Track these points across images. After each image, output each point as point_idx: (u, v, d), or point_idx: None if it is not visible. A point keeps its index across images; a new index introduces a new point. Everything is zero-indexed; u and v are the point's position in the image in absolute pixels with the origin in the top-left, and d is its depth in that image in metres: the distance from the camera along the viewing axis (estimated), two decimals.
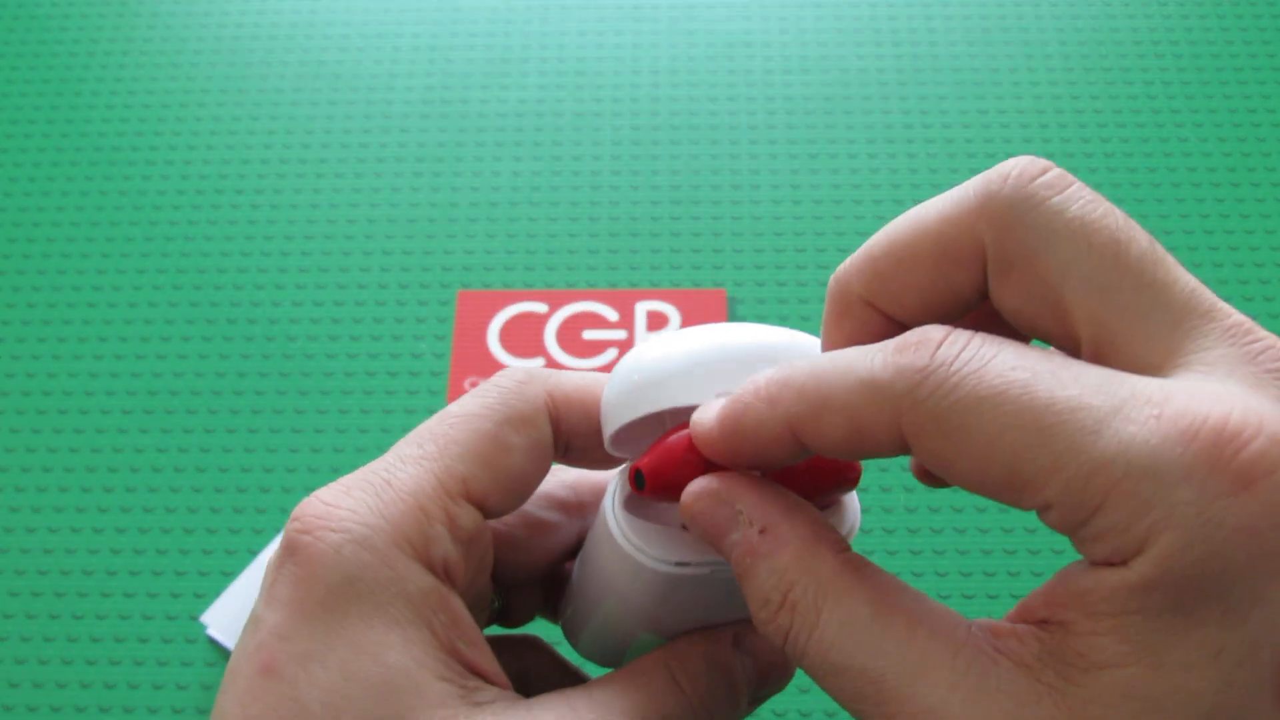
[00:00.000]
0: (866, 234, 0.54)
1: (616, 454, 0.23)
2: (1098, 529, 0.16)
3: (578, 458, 0.24)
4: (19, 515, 0.48)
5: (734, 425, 0.19)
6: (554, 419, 0.23)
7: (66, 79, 0.60)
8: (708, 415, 0.20)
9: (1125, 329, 0.18)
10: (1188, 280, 0.18)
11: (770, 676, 0.24)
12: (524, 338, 0.52)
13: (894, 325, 0.20)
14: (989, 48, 0.60)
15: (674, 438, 0.20)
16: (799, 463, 0.20)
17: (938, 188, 0.55)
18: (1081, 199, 0.19)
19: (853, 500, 0.22)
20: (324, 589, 0.20)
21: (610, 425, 0.22)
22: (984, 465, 0.16)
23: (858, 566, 0.19)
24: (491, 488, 0.22)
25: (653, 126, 0.58)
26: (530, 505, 0.25)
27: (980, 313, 0.20)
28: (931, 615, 0.18)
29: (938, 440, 0.17)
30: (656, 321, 0.52)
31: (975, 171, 0.61)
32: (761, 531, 0.19)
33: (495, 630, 0.27)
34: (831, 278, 0.21)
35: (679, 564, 0.21)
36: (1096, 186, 0.60)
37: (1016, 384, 0.16)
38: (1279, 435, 0.15)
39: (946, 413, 0.16)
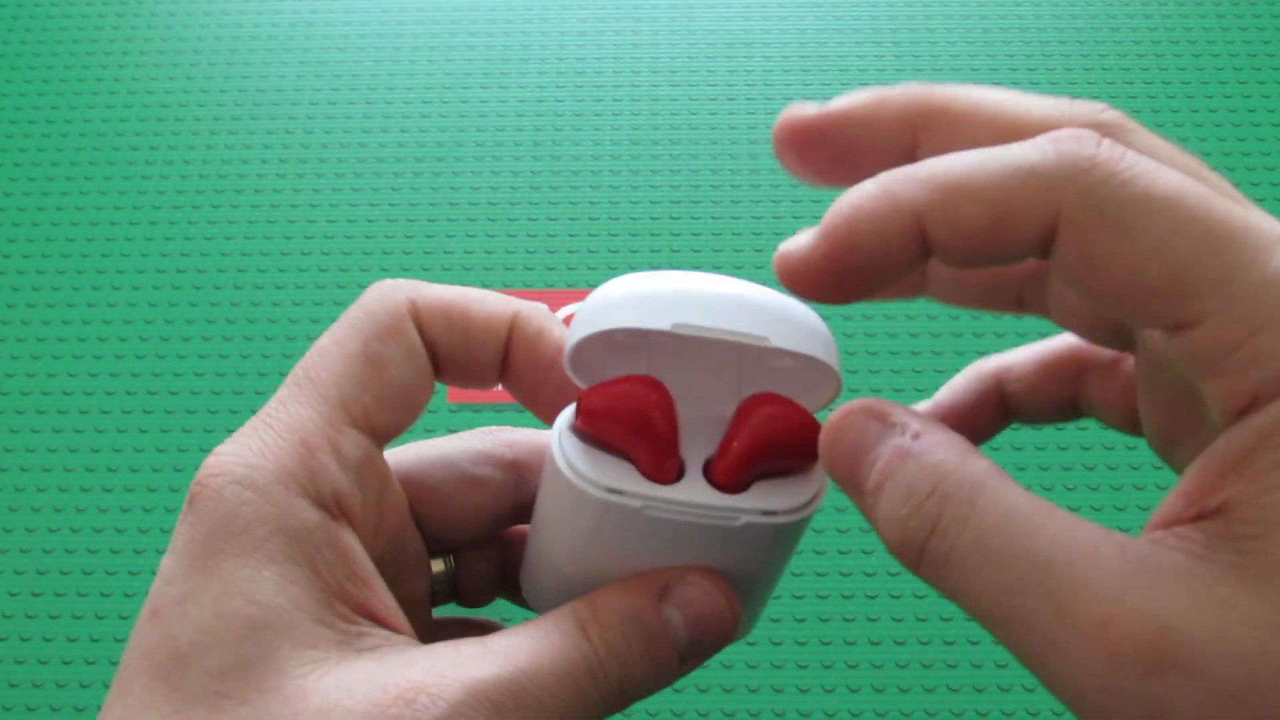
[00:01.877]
0: None
1: (574, 377, 0.22)
2: (1254, 352, 0.15)
3: (449, 371, 0.23)
4: (19, 515, 0.48)
5: (848, 220, 0.18)
6: (419, 327, 0.22)
7: (66, 79, 0.60)
8: (801, 238, 0.19)
9: (1204, 261, 0.16)
10: (1268, 230, 0.17)
11: (706, 631, 0.22)
12: None
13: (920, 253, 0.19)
14: (989, 48, 0.60)
15: (626, 378, 0.21)
16: (759, 437, 0.21)
17: None
18: (1163, 143, 0.18)
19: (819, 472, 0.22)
20: (205, 531, 0.19)
21: (569, 340, 0.21)
22: (1144, 265, 0.15)
23: (1007, 475, 0.18)
24: (374, 406, 0.21)
25: (653, 126, 0.58)
26: (460, 460, 0.24)
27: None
28: (1086, 521, 0.17)
29: (1099, 233, 0.16)
30: None
31: None
32: (915, 436, 0.18)
33: (455, 611, 0.26)
34: (860, 216, 0.19)
35: (611, 490, 0.21)
36: None
37: (1193, 193, 0.16)
38: None
39: (1118, 204, 0.16)
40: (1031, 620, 0.16)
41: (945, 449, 0.18)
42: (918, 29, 0.61)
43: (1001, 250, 0.17)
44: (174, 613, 0.19)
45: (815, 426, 0.21)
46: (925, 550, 0.17)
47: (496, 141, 0.58)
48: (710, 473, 0.22)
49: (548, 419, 0.24)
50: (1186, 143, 0.56)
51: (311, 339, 0.57)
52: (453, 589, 0.25)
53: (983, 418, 0.24)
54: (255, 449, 0.20)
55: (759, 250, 0.54)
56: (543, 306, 0.24)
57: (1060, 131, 0.17)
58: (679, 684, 0.43)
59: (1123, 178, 0.16)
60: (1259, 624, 0.15)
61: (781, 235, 0.54)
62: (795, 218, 0.55)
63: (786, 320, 0.21)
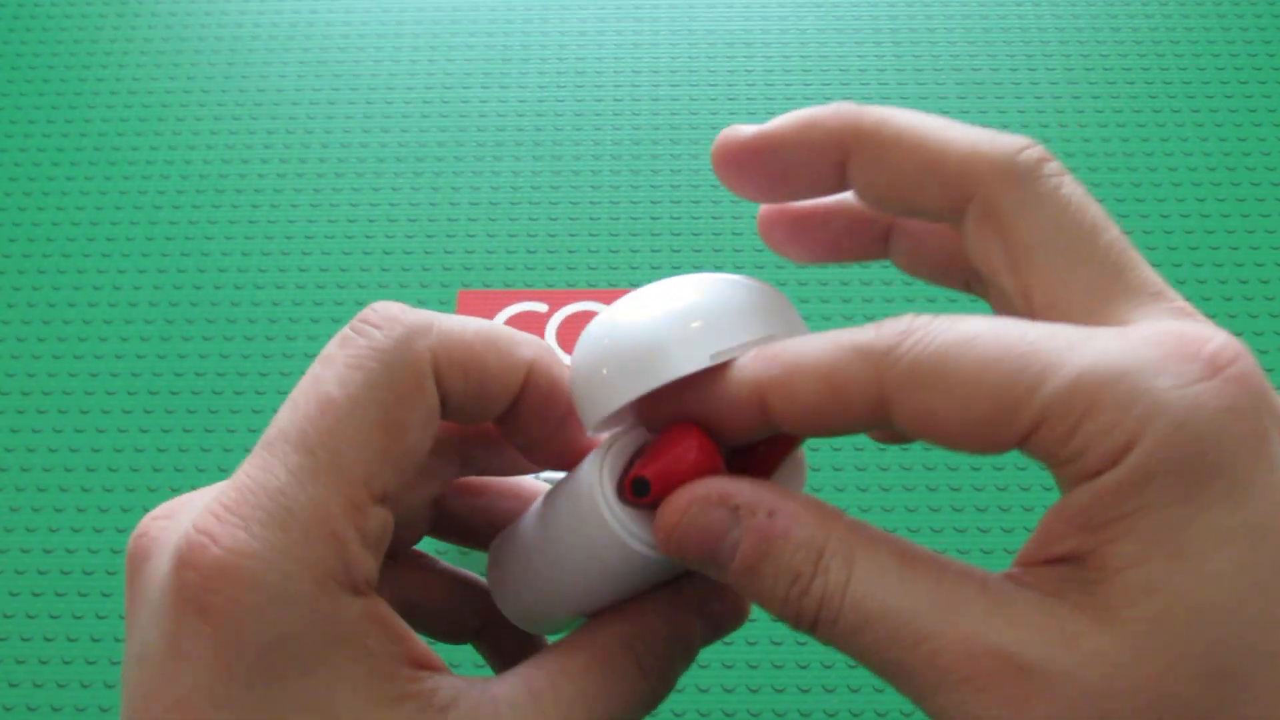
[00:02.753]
0: None
1: (596, 434, 0.22)
2: (1088, 435, 0.16)
3: (452, 417, 0.22)
4: (19, 515, 0.48)
5: (702, 406, 0.20)
6: (437, 382, 0.20)
7: (66, 79, 0.60)
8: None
9: (1080, 297, 0.19)
10: (1147, 270, 0.19)
11: (723, 630, 0.24)
12: None
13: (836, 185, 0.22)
14: (989, 48, 0.60)
15: (680, 446, 0.20)
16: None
17: None
18: (1076, 187, 0.20)
19: (796, 457, 0.22)
20: (255, 654, 0.18)
21: (597, 411, 0.20)
22: (969, 402, 0.17)
23: (868, 526, 0.19)
24: (393, 479, 0.20)
25: (653, 126, 0.58)
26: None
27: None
28: (952, 563, 0.18)
29: (920, 393, 0.17)
30: None
31: None
32: (770, 514, 0.19)
33: None
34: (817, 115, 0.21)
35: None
36: (1096, 186, 0.60)
37: (989, 328, 0.17)
38: (1230, 339, 0.17)
39: (929, 360, 0.17)
40: (909, 668, 0.17)
41: (805, 522, 0.19)
42: (918, 29, 0.61)
43: (838, 420, 0.18)
44: None
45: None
46: (818, 620, 0.18)
47: (496, 141, 0.58)
48: None
49: (541, 464, 0.23)
50: (1186, 143, 0.56)
51: (312, 339, 0.57)
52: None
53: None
54: (285, 549, 0.18)
55: (759, 250, 0.54)
56: (554, 356, 0.22)
57: (884, 321, 0.18)
58: (679, 684, 0.43)
59: (931, 335, 0.18)
60: (1103, 659, 0.16)
61: None
62: None
63: (780, 314, 0.21)
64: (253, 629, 0.18)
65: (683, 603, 0.23)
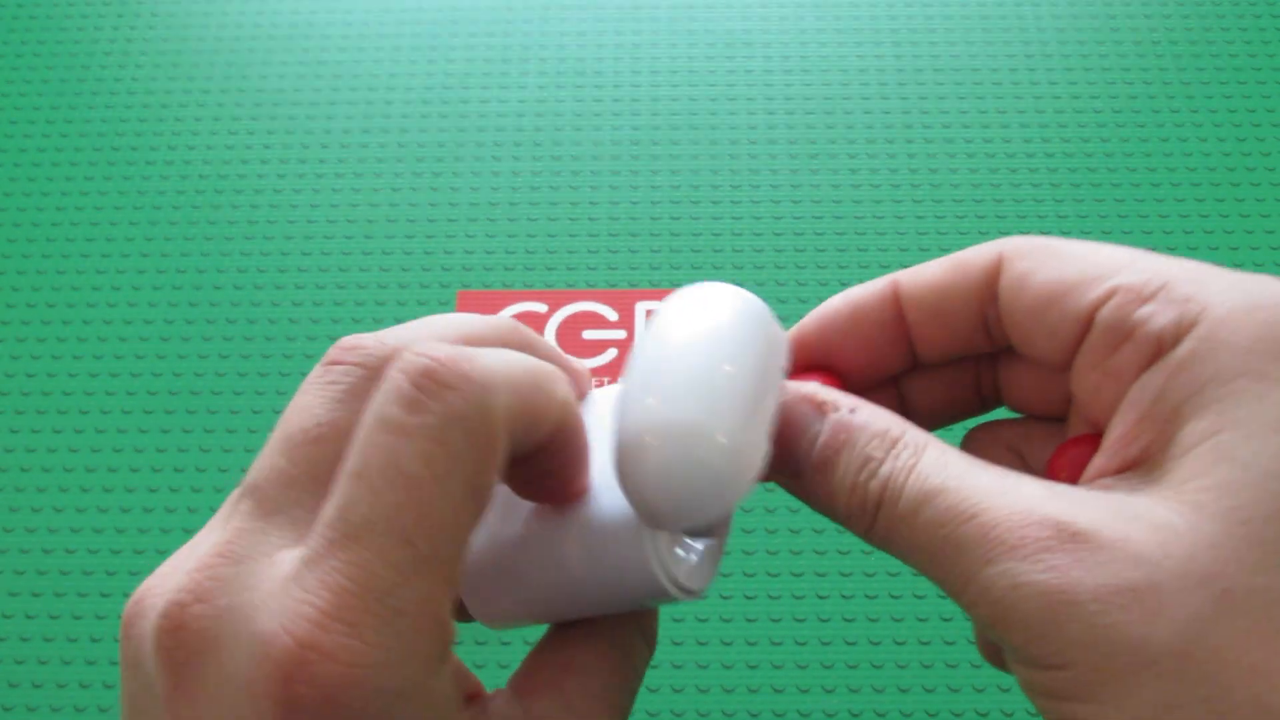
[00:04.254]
0: (866, 234, 0.54)
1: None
2: (1160, 303, 0.18)
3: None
4: (19, 515, 0.48)
5: (839, 298, 0.22)
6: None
7: (66, 78, 0.60)
8: (809, 315, 0.23)
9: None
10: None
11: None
12: None
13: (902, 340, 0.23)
14: (989, 48, 0.60)
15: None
16: None
17: (937, 187, 0.55)
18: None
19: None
20: None
21: (684, 524, 0.19)
22: (1064, 268, 0.19)
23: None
24: (469, 539, 0.18)
25: (653, 126, 0.58)
26: None
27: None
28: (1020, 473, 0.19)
29: (1028, 259, 0.20)
30: None
31: (974, 171, 0.60)
32: (853, 410, 0.20)
33: None
34: (851, 291, 0.23)
35: (698, 591, 0.21)
36: (1097, 186, 0.60)
37: (1102, 246, 0.20)
38: None
39: (1043, 243, 0.20)
40: (961, 543, 0.17)
41: (885, 418, 0.20)
42: (918, 29, 0.61)
43: (956, 288, 0.21)
44: None
45: None
46: (881, 506, 0.18)
47: (496, 141, 0.58)
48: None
49: (532, 498, 0.21)
50: (1186, 143, 0.56)
51: (312, 339, 0.57)
52: None
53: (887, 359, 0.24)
54: (396, 650, 0.16)
55: (759, 250, 0.54)
56: (577, 406, 0.20)
57: None
58: (679, 684, 0.43)
59: (1052, 239, 0.20)
60: (1160, 525, 0.16)
61: (781, 235, 0.54)
62: (795, 218, 0.55)
63: (771, 344, 0.21)
64: None
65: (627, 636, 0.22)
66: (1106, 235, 0.53)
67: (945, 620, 0.44)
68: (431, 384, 0.17)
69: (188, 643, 0.17)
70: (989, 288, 0.21)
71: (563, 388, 0.19)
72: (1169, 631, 0.15)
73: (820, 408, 0.20)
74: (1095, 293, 0.18)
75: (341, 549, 0.16)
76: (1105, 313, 0.18)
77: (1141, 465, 0.17)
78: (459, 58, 0.61)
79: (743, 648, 0.44)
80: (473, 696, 0.19)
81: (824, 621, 0.45)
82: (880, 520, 0.19)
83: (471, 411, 0.17)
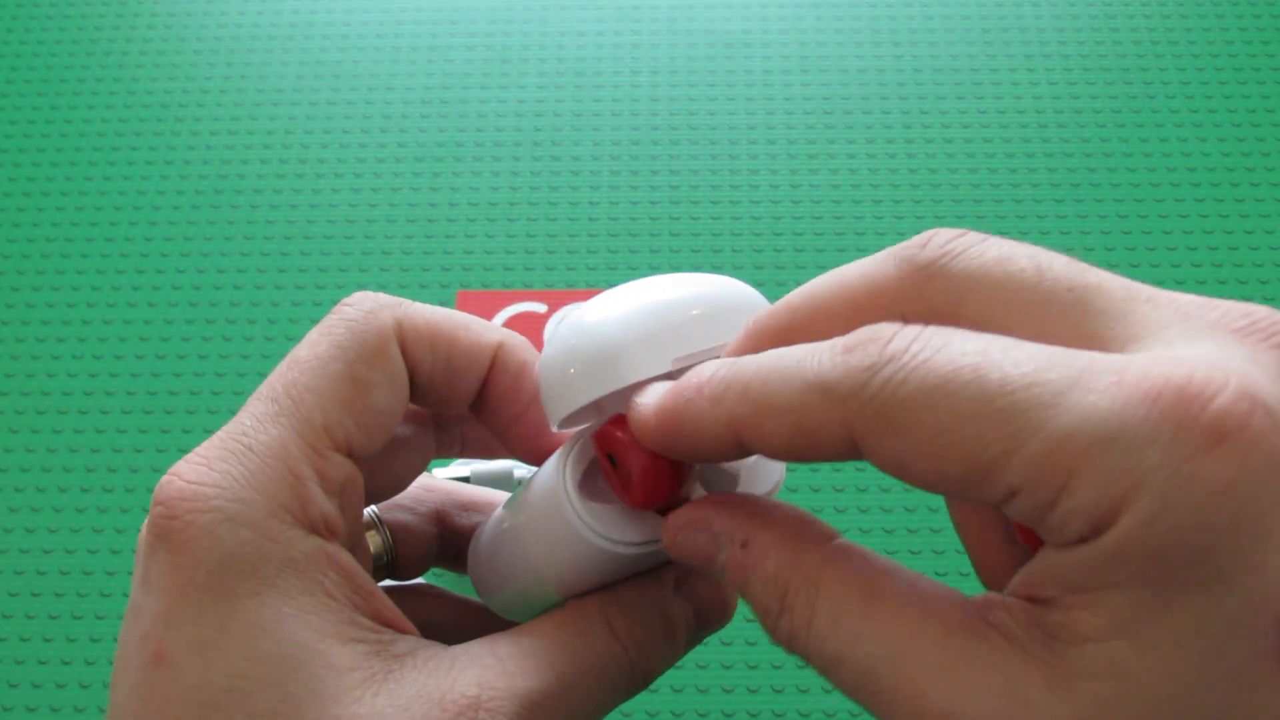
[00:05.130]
0: (866, 234, 0.54)
1: (562, 431, 0.22)
2: (1066, 510, 0.15)
3: (425, 396, 0.23)
4: (19, 515, 0.48)
5: (674, 422, 0.19)
6: (402, 350, 0.22)
7: (66, 79, 0.60)
8: (646, 403, 0.19)
9: (1069, 333, 0.17)
10: (1120, 279, 0.17)
11: (709, 618, 0.24)
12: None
13: None
14: (989, 48, 0.60)
15: (655, 461, 0.20)
16: None
17: (937, 187, 0.55)
18: (995, 242, 0.18)
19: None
20: (206, 572, 0.19)
21: (561, 408, 0.21)
22: (940, 460, 0.16)
23: (848, 555, 0.18)
24: (356, 431, 0.21)
25: (652, 126, 0.58)
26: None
27: None
28: (923, 596, 0.17)
29: (889, 440, 0.16)
30: None
31: (975, 172, 0.60)
32: (743, 546, 0.19)
33: (386, 583, 0.26)
34: (751, 320, 0.20)
35: (637, 544, 0.21)
36: (1096, 186, 0.60)
37: (966, 368, 0.15)
38: (1246, 387, 0.14)
39: (896, 409, 0.16)
40: (874, 712, 0.17)
41: (776, 551, 0.19)
42: (917, 29, 0.61)
43: (814, 457, 0.17)
44: (192, 661, 0.18)
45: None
46: (793, 653, 0.19)
47: (496, 141, 0.58)
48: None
49: (516, 452, 0.24)
50: (1186, 143, 0.56)
51: None
52: (391, 564, 0.26)
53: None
54: (241, 479, 0.19)
55: (758, 250, 0.54)
56: (525, 340, 0.23)
57: (854, 334, 0.17)
58: (679, 684, 0.43)
59: (900, 378, 0.16)
60: None
61: (781, 235, 0.54)
62: (795, 218, 0.55)
63: (748, 314, 0.21)
64: (205, 549, 0.19)
65: (659, 578, 0.23)
66: (1106, 235, 0.53)
67: None
68: (339, 306, 0.22)
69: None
70: (850, 453, 0.17)
71: (498, 334, 0.22)
72: None
73: (716, 539, 0.19)
74: (991, 494, 0.16)
75: (235, 416, 0.21)
76: (1011, 512, 0.16)
77: (1046, 610, 0.16)
78: (459, 58, 0.61)
79: (742, 648, 0.44)
80: (390, 624, 0.20)
81: None
82: (803, 658, 0.19)
83: (360, 315, 0.21)
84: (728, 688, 0.43)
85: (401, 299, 0.22)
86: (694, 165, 0.57)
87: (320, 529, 0.20)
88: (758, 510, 0.19)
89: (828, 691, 0.43)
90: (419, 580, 0.27)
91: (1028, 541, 0.19)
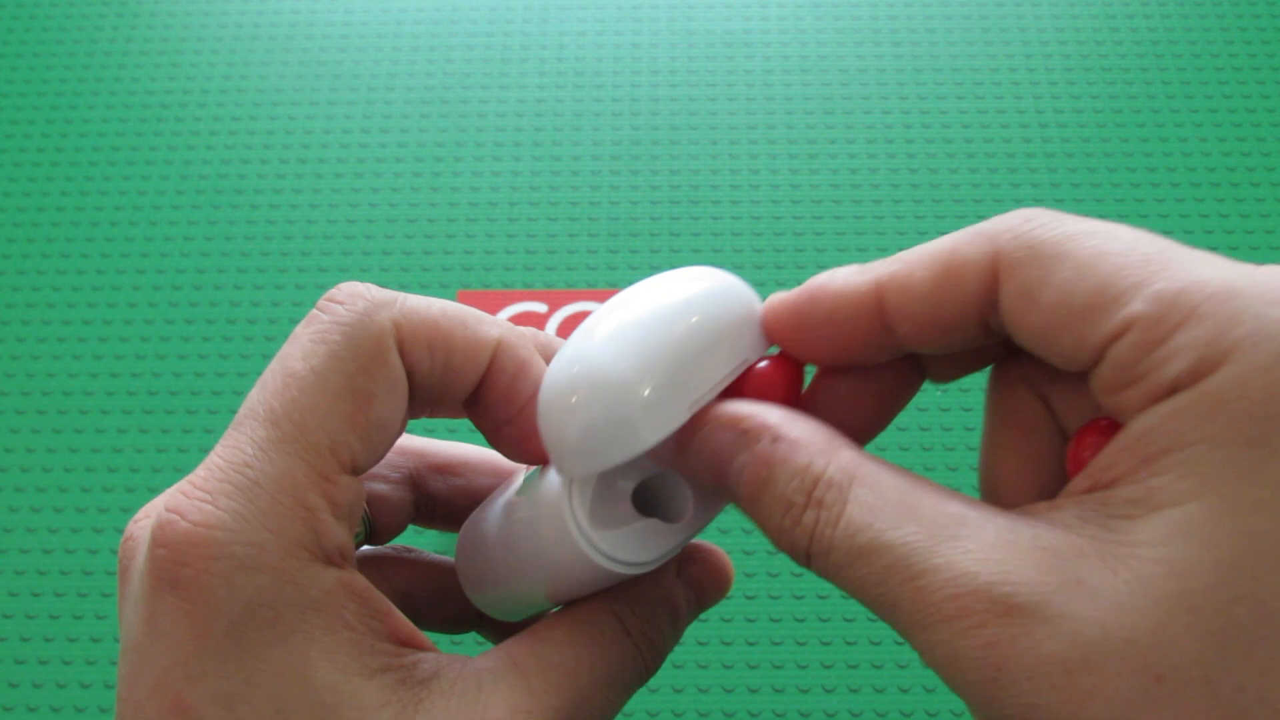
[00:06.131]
0: (866, 233, 0.54)
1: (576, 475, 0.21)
2: (1177, 345, 0.15)
3: (421, 399, 0.21)
4: (19, 515, 0.48)
5: (817, 290, 0.19)
6: (400, 353, 0.20)
7: (66, 78, 0.60)
8: (784, 295, 0.20)
9: (1172, 293, 0.17)
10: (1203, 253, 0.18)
11: (707, 597, 0.24)
12: None
13: (886, 336, 0.20)
14: (989, 48, 0.60)
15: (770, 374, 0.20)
16: None
17: (937, 187, 0.55)
18: (1083, 219, 0.19)
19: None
20: (226, 623, 0.18)
21: (574, 469, 0.20)
22: (1074, 285, 0.16)
23: (878, 458, 0.18)
24: (361, 448, 0.20)
25: (652, 126, 0.58)
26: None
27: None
28: (960, 498, 0.17)
29: (1032, 268, 0.17)
30: None
31: (975, 171, 0.60)
32: (774, 440, 0.18)
33: (364, 549, 0.25)
34: (833, 284, 0.20)
35: (646, 563, 0.21)
36: (1096, 186, 0.60)
37: (1115, 230, 0.17)
38: None
39: (1047, 241, 0.17)
40: (897, 603, 0.17)
41: (808, 448, 0.18)
42: (917, 29, 0.61)
43: (949, 305, 0.18)
44: (219, 715, 0.18)
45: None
46: (810, 553, 0.18)
47: (496, 141, 0.58)
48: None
49: (507, 453, 0.23)
50: (1186, 143, 0.56)
51: None
52: (369, 532, 0.25)
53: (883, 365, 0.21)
54: (252, 518, 0.18)
55: (759, 250, 0.54)
56: (526, 335, 0.22)
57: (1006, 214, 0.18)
58: (679, 684, 0.43)
59: (1054, 220, 0.17)
60: (1103, 601, 0.15)
61: (781, 235, 0.54)
62: (795, 218, 0.55)
63: (740, 327, 0.21)
64: (224, 599, 0.18)
65: (664, 568, 0.22)
66: None
67: None
68: (328, 303, 0.20)
69: (122, 556, 0.20)
70: (986, 298, 0.18)
71: (497, 329, 0.21)
72: (1097, 714, 0.15)
73: (744, 436, 0.19)
74: (1108, 325, 0.16)
75: (225, 437, 0.19)
76: (1118, 351, 0.16)
77: (1104, 491, 0.16)
78: (459, 58, 0.61)
79: (743, 648, 0.44)
80: (407, 642, 0.20)
81: (824, 621, 0.45)
82: (814, 565, 0.18)
83: (354, 319, 0.20)
84: (728, 688, 0.43)
85: (396, 294, 0.21)
86: (694, 165, 0.57)
87: (336, 559, 0.19)
88: (784, 410, 0.19)
89: (828, 691, 0.43)
90: (395, 544, 0.26)
91: (1075, 464, 0.19)
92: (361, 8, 0.62)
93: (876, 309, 0.19)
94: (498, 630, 0.27)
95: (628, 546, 0.21)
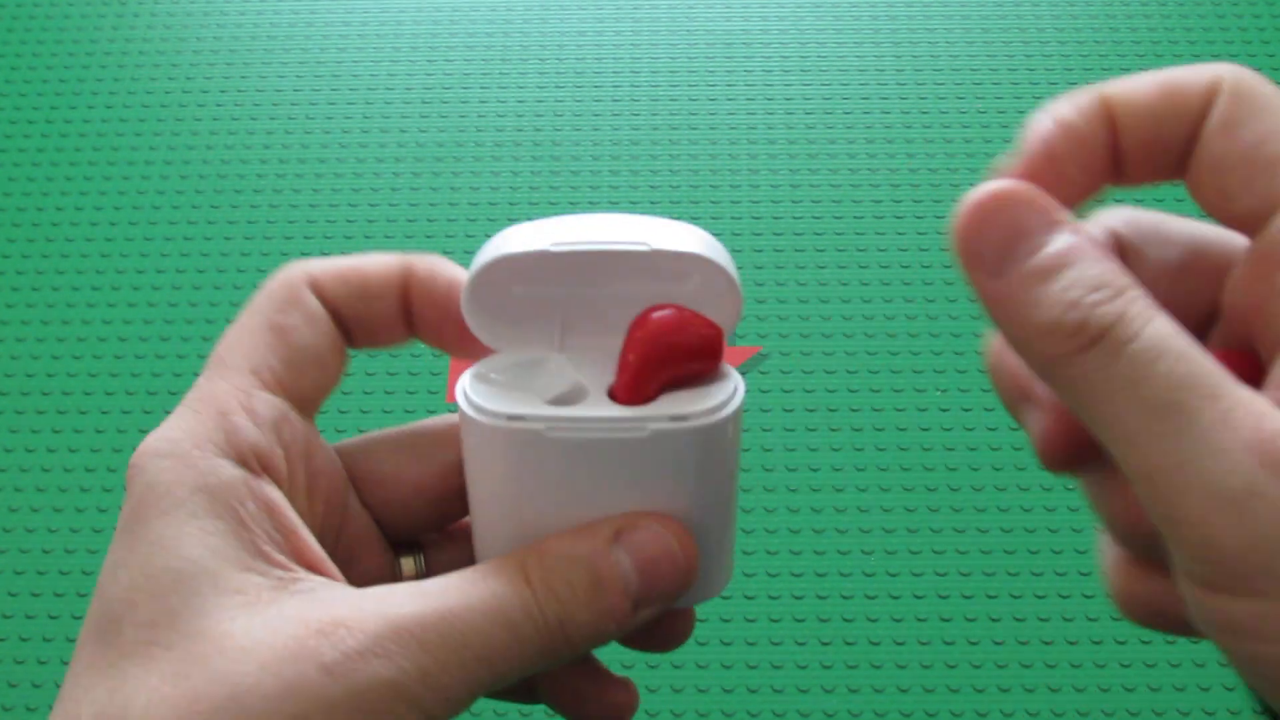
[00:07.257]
0: (866, 233, 0.54)
1: (472, 323, 0.23)
2: None
3: (357, 332, 0.24)
4: (19, 515, 0.48)
5: (1050, 110, 0.20)
6: (319, 294, 0.24)
7: (66, 79, 0.60)
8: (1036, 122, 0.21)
9: None
10: None
11: (659, 576, 0.21)
12: None
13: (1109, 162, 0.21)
14: (989, 48, 0.60)
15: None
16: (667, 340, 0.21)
17: (937, 187, 0.55)
18: None
19: (731, 373, 0.22)
20: (133, 503, 0.20)
21: (465, 281, 0.22)
22: (1273, 134, 0.18)
23: None
24: (284, 370, 0.23)
25: (652, 126, 0.58)
26: (393, 435, 0.25)
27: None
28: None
29: (1241, 105, 0.18)
30: None
31: (975, 172, 0.60)
32: (1074, 231, 0.18)
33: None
34: (1058, 110, 0.22)
35: (511, 417, 0.21)
36: None
37: None
38: None
39: (1261, 92, 0.18)
40: (1194, 415, 0.15)
41: (1109, 262, 0.18)
42: (917, 29, 0.61)
43: (1171, 115, 0.19)
44: (107, 580, 0.20)
45: (711, 327, 0.21)
46: (1106, 336, 0.16)
47: (496, 141, 0.58)
48: (612, 391, 0.22)
49: (464, 353, 0.25)
50: None
51: None
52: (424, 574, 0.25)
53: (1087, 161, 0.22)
54: (175, 425, 0.21)
55: (759, 250, 0.54)
56: (436, 256, 0.25)
57: None
58: (679, 684, 0.43)
59: (1266, 82, 0.18)
60: None
61: (781, 235, 0.54)
62: (795, 218, 0.55)
63: (663, 228, 0.21)
64: (134, 484, 0.21)
65: (593, 528, 0.21)
66: None
67: (945, 620, 0.44)
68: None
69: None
70: (1200, 121, 0.19)
71: (405, 256, 0.24)
72: None
73: (1051, 223, 0.19)
74: None
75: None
76: None
77: None
78: (459, 58, 0.61)
79: (742, 648, 0.44)
80: (311, 566, 0.21)
81: (824, 621, 0.45)
82: (1094, 351, 0.17)
83: (268, 281, 0.25)
84: (728, 687, 0.43)
85: (317, 258, 0.25)
86: (694, 165, 0.57)
87: (250, 462, 0.21)
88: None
89: (828, 691, 0.43)
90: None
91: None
92: (361, 8, 0.62)
93: (1106, 127, 0.20)
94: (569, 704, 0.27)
95: (505, 400, 0.21)
